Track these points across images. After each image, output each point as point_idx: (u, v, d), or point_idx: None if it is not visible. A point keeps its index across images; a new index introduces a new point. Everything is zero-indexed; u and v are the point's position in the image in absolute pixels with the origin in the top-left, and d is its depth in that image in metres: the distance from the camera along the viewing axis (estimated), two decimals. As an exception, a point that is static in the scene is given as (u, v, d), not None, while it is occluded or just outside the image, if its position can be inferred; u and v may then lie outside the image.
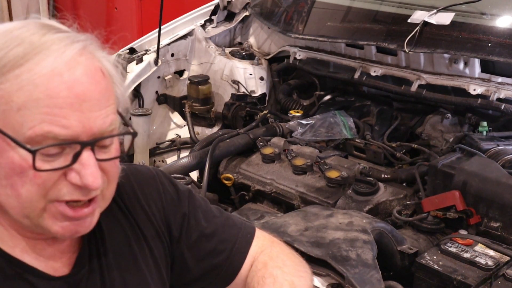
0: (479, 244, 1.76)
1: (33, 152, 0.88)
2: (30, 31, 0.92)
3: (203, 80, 2.98)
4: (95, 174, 0.92)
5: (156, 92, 3.05)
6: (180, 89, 3.12)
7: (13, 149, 0.90)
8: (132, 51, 2.95)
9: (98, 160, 0.94)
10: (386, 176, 2.28)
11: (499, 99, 2.36)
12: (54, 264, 1.03)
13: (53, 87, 0.88)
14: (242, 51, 3.23)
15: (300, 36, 2.91)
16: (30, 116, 0.88)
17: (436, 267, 1.69)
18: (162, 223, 1.18)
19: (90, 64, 0.94)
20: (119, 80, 1.00)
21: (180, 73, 3.16)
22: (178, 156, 2.88)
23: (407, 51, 2.44)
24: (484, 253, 1.72)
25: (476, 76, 2.47)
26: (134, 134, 1.00)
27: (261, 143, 2.53)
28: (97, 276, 1.06)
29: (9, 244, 0.99)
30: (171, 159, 2.90)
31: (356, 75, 2.77)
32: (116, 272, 1.08)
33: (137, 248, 1.13)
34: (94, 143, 0.92)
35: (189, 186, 2.11)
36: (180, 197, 1.22)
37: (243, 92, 3.01)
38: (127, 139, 1.06)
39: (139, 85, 2.88)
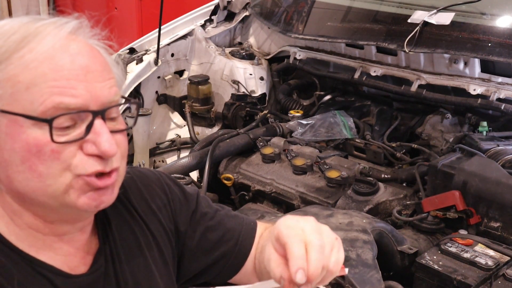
0: (479, 244, 1.76)
1: (50, 121, 0.89)
2: (19, 23, 0.95)
3: (203, 80, 2.98)
4: (110, 141, 0.93)
5: (156, 92, 3.05)
6: (180, 89, 3.12)
7: (26, 130, 0.90)
8: (132, 51, 2.95)
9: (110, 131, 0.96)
10: (386, 176, 2.28)
11: (499, 99, 2.36)
12: (71, 263, 1.03)
13: (57, 60, 0.91)
14: (242, 51, 3.23)
15: (300, 36, 2.91)
16: (39, 91, 0.90)
17: (436, 267, 1.69)
18: (170, 221, 1.20)
19: (85, 41, 0.98)
20: (113, 63, 1.03)
21: (180, 73, 3.16)
22: (178, 156, 2.89)
23: (407, 51, 2.44)
24: (484, 253, 1.72)
25: (476, 76, 2.47)
26: (139, 104, 1.01)
27: (261, 143, 2.53)
28: (112, 277, 1.07)
29: (25, 243, 0.99)
30: (171, 159, 2.90)
31: (356, 75, 2.77)
32: (128, 273, 1.10)
33: (146, 249, 1.14)
34: (104, 111, 0.94)
35: (190, 186, 2.11)
36: (186, 196, 1.24)
37: (243, 92, 3.01)
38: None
39: (139, 85, 2.88)
